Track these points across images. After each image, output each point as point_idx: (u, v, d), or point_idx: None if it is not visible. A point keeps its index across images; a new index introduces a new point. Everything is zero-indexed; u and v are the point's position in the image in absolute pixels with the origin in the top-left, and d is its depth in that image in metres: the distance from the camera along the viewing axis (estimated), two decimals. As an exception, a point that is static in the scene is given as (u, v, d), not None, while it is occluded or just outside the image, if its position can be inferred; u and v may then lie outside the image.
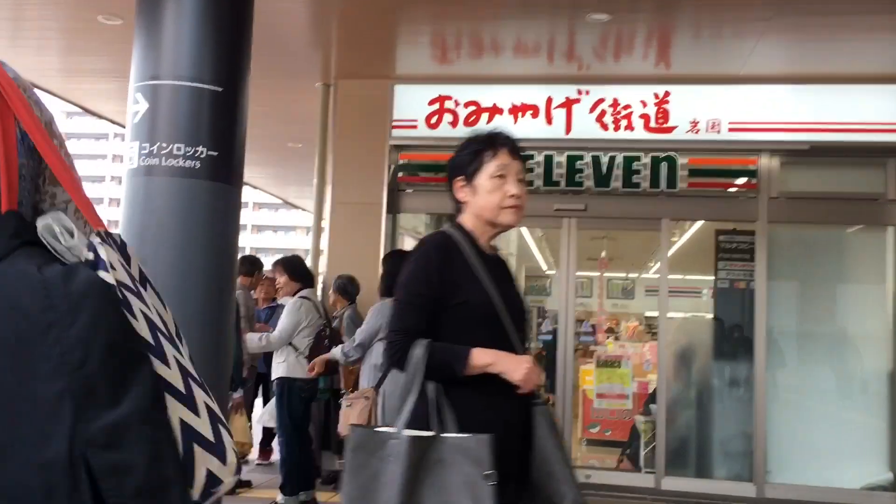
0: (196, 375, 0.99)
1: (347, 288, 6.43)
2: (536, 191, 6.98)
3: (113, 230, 1.02)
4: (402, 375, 4.50)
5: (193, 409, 0.94)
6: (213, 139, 3.68)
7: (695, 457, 7.06)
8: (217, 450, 0.94)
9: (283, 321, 5.33)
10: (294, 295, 5.48)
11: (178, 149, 3.61)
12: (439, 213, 7.94)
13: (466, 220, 2.28)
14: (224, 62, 3.76)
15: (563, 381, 6.94)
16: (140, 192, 3.64)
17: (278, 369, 5.30)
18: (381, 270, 6.87)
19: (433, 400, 2.01)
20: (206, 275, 3.63)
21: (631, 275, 9.88)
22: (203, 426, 0.94)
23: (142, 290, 0.99)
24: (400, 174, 7.26)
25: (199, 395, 0.97)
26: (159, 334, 0.96)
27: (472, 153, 2.29)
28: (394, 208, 7.18)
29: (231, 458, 0.96)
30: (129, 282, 0.96)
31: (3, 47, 6.89)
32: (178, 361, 0.97)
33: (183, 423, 0.92)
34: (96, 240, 0.94)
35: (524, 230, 9.52)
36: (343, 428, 4.44)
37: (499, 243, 2.54)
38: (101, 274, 0.91)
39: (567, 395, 6.93)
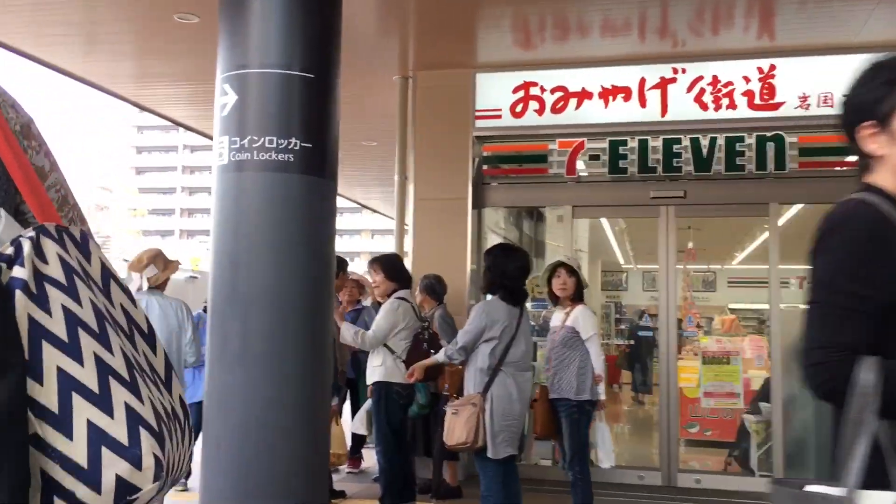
0: (123, 373, 0.97)
1: (435, 287, 6.13)
2: (631, 178, 6.57)
3: (72, 228, 1.05)
4: (511, 380, 4.21)
5: (107, 409, 0.92)
6: (305, 130, 3.41)
7: (815, 459, 6.53)
8: (129, 453, 0.92)
9: (380, 321, 5.04)
10: (389, 296, 5.19)
11: (270, 142, 3.35)
12: (526, 207, 7.61)
13: (884, 180, 1.59)
14: (314, 47, 3.49)
15: (666, 380, 6.51)
16: (231, 189, 3.39)
17: (375, 373, 5.01)
18: (469, 267, 6.62)
19: (887, 443, 1.39)
20: (305, 275, 3.36)
21: (713, 266, 9.38)
22: (116, 428, 0.92)
23: (79, 284, 0.98)
24: (484, 167, 6.93)
25: (119, 396, 0.95)
26: (82, 330, 0.95)
27: (883, 85, 1.57)
28: (479, 203, 6.85)
29: (148, 462, 0.92)
30: (61, 276, 0.96)
31: (79, 53, 6.81)
32: (97, 359, 0.95)
33: (91, 424, 0.91)
34: (29, 234, 0.96)
35: (603, 221, 9.09)
36: (450, 437, 4.12)
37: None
38: (15, 269, 0.93)
39: (672, 394, 6.49)
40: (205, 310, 6.49)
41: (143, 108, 8.33)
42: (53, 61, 7.04)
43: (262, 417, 3.20)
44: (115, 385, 0.94)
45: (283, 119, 3.38)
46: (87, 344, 0.94)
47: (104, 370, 0.94)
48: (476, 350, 4.19)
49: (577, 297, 5.10)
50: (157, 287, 4.75)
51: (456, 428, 4.07)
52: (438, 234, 6.70)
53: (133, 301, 1.10)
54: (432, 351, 4.74)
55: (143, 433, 0.93)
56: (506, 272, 4.28)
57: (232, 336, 3.26)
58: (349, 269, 7.14)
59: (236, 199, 3.38)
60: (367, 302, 7.20)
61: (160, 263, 4.72)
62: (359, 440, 6.91)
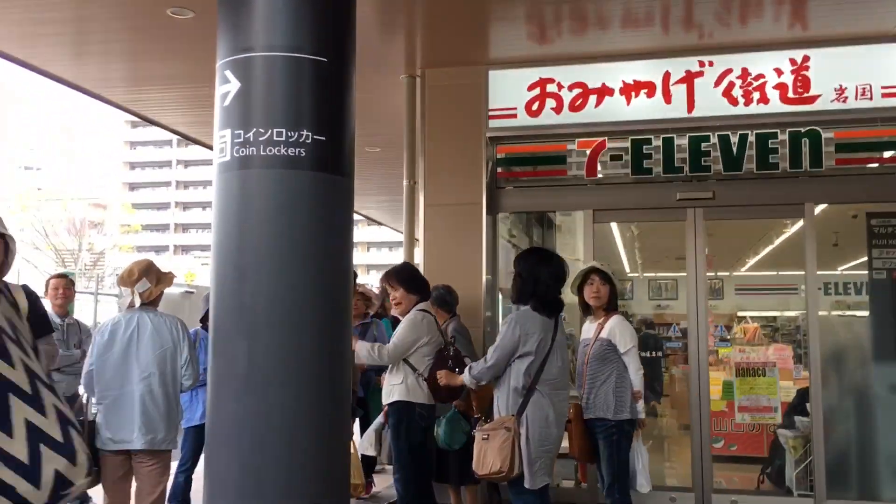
0: (44, 378, 1.09)
1: (446, 299, 5.70)
2: (655, 179, 6.17)
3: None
4: (547, 400, 3.78)
5: (41, 409, 1.03)
6: (318, 121, 3.01)
7: (857, 476, 6.11)
8: (65, 450, 1.02)
9: (403, 333, 4.58)
10: (409, 310, 4.75)
11: (279, 134, 2.94)
12: (536, 212, 7.18)
13: None
14: (327, 28, 3.09)
15: (698, 395, 6.08)
16: (235, 188, 2.98)
17: (394, 392, 4.55)
18: (485, 277, 6.21)
19: None
20: (320, 285, 2.95)
21: (720, 273, 9.00)
22: (51, 427, 1.03)
23: None
24: (499, 169, 6.52)
25: (48, 398, 1.07)
26: (4, 336, 1.08)
27: None
28: (494, 208, 6.44)
29: (81, 458, 1.03)
30: None
31: (68, 55, 6.40)
32: (24, 363, 1.07)
33: (29, 423, 1.00)
34: None
35: (613, 226, 8.69)
36: (481, 466, 3.68)
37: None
38: None
39: (705, 411, 6.06)
40: (203, 327, 6.08)
41: (136, 115, 7.91)
42: (44, 66, 6.63)
43: (274, 450, 2.77)
44: (41, 387, 1.04)
45: (293, 109, 2.98)
46: (13, 349, 1.04)
47: (31, 373, 1.04)
48: (509, 367, 3.74)
49: (612, 306, 4.70)
50: (150, 303, 4.32)
51: (488, 455, 3.62)
52: (451, 242, 6.28)
53: (19, 314, 1.19)
54: (457, 369, 4.29)
55: (73, 432, 1.03)
56: (540, 280, 3.86)
57: (238, 357, 2.83)
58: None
59: (240, 199, 2.96)
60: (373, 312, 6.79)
61: (153, 277, 4.29)
62: (368, 462, 6.46)
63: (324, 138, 2.99)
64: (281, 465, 2.76)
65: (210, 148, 9.31)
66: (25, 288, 3.57)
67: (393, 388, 4.56)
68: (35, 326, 3.45)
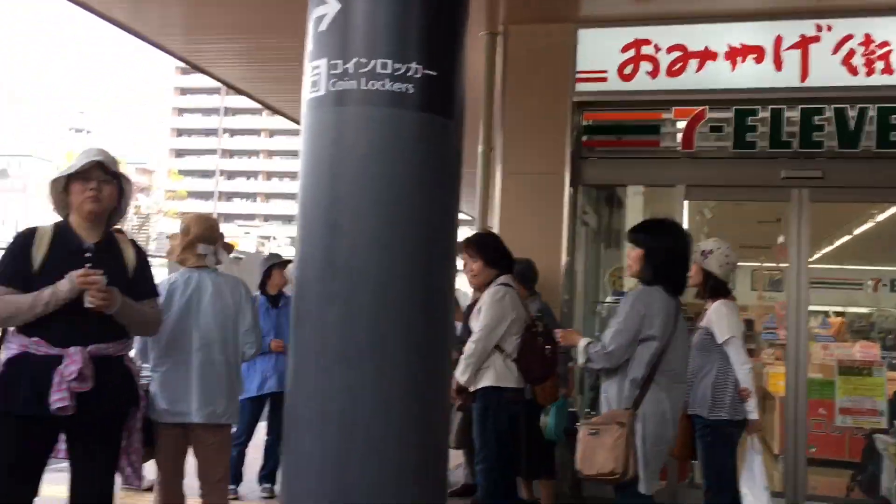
0: None
1: (527, 274, 5.22)
2: (759, 154, 5.61)
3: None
4: (664, 394, 3.29)
5: None
6: (429, 52, 2.53)
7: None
8: None
9: (488, 315, 4.10)
10: (489, 284, 4.28)
11: (384, 66, 2.47)
12: (626, 185, 6.64)
13: None
14: (443, -58, 2.60)
15: (794, 393, 5.54)
16: (329, 128, 2.52)
17: (482, 377, 4.11)
18: (564, 255, 5.73)
19: None
20: (421, 244, 2.49)
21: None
22: None
23: None
24: (584, 138, 6.00)
25: None
26: None
27: None
28: (577, 180, 5.93)
29: None
30: None
31: (127, -1, 6.03)
32: None
33: None
34: None
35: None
36: (588, 465, 3.20)
37: None
38: None
39: (801, 413, 5.52)
40: (262, 293, 5.70)
41: (192, 65, 7.53)
42: (102, 8, 6.26)
43: (367, 431, 2.34)
44: None
45: (401, 37, 2.51)
46: None
47: None
48: (636, 354, 3.22)
49: (715, 291, 4.19)
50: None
51: (598, 453, 3.14)
52: (528, 215, 5.79)
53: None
54: (548, 347, 3.80)
55: None
56: (677, 257, 3.37)
57: (327, 324, 2.39)
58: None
59: (335, 141, 2.50)
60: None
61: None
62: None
63: (435, 73, 2.52)
64: (373, 449, 2.33)
65: (262, 104, 8.96)
66: (135, 243, 3.18)
67: (480, 373, 4.10)
68: (139, 287, 3.10)
